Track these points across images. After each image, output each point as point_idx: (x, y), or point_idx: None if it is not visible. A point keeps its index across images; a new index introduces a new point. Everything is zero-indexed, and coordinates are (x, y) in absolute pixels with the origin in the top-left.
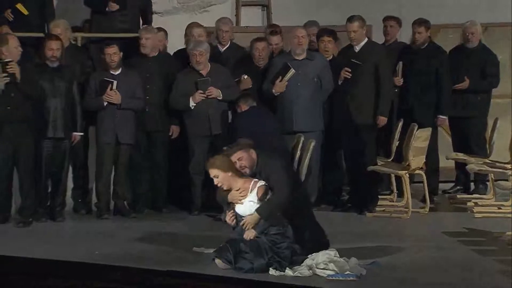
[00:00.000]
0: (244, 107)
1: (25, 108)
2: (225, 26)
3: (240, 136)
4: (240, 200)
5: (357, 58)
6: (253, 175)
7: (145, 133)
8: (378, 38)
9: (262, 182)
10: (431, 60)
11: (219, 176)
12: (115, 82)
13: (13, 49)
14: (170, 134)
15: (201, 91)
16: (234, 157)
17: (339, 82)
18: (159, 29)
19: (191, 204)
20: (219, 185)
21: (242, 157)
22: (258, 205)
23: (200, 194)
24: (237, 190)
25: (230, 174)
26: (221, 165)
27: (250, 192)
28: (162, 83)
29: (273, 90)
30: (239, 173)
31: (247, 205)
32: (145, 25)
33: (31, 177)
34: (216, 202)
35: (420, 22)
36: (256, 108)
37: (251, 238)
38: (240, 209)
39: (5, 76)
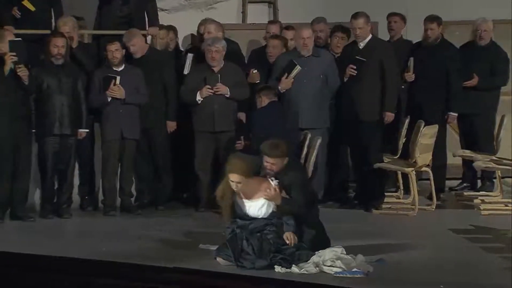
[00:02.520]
0: (265, 99)
1: (26, 106)
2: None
3: (256, 132)
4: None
5: (361, 55)
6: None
7: (142, 130)
8: (385, 35)
9: (276, 181)
10: (442, 57)
11: (240, 182)
12: (118, 77)
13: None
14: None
15: (209, 87)
16: (269, 160)
17: (345, 79)
18: (170, 27)
19: (197, 200)
20: (237, 188)
21: (276, 164)
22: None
23: (206, 191)
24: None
25: (248, 178)
26: (243, 171)
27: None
28: (156, 80)
29: (279, 87)
30: (250, 173)
31: (260, 204)
32: (129, 30)
33: (29, 174)
34: None
35: (432, 18)
36: (275, 103)
37: (295, 242)
38: (252, 208)
39: (12, 55)
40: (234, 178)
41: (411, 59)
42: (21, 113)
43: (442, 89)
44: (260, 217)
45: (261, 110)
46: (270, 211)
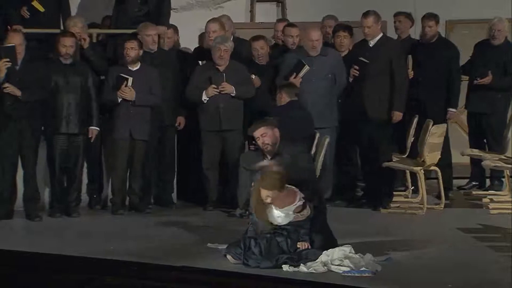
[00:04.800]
0: (285, 97)
1: (29, 105)
2: (225, 25)
3: None
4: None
5: (371, 53)
6: (274, 155)
7: (156, 128)
8: (393, 34)
9: (303, 199)
10: (441, 54)
11: (272, 197)
12: (130, 79)
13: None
14: (177, 125)
15: (215, 86)
16: (257, 133)
17: (350, 79)
18: (170, 25)
19: (205, 199)
20: (268, 201)
21: (266, 134)
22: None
23: (215, 189)
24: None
25: (279, 191)
26: (275, 187)
27: (291, 205)
28: (170, 77)
29: None
30: (283, 186)
31: (281, 213)
32: (146, 22)
33: (34, 172)
34: (230, 198)
35: (430, 16)
36: (294, 103)
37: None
38: (275, 217)
39: (6, 61)
40: (267, 194)
41: (409, 56)
42: (23, 112)
43: (442, 86)
44: (275, 223)
45: (279, 109)
46: (286, 222)
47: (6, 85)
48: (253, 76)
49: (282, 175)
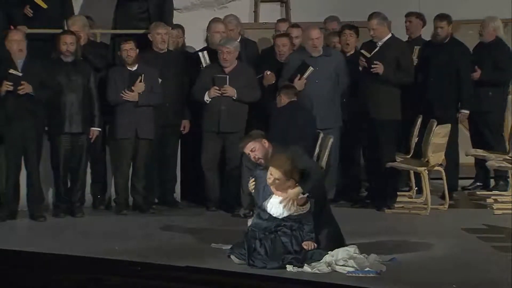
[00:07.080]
0: (285, 99)
1: (32, 104)
2: (230, 25)
3: (273, 133)
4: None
5: (378, 53)
6: (266, 166)
7: (159, 127)
8: (397, 34)
9: (305, 196)
10: (452, 55)
11: (279, 180)
12: (143, 75)
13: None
14: (182, 128)
15: (217, 88)
16: (246, 149)
17: (360, 68)
18: (177, 25)
19: (207, 200)
20: (273, 183)
21: (255, 148)
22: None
23: (216, 190)
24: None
25: (285, 175)
26: (285, 170)
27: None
28: (175, 78)
29: None
30: (290, 172)
31: (280, 202)
32: (158, 22)
33: (38, 172)
34: (233, 198)
35: (442, 17)
36: (294, 103)
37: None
38: (272, 207)
39: (8, 85)
40: (275, 174)
41: (416, 47)
42: (27, 113)
43: (453, 87)
44: (275, 215)
45: (279, 110)
46: (286, 214)
47: (22, 84)
48: (268, 72)
49: (292, 164)
